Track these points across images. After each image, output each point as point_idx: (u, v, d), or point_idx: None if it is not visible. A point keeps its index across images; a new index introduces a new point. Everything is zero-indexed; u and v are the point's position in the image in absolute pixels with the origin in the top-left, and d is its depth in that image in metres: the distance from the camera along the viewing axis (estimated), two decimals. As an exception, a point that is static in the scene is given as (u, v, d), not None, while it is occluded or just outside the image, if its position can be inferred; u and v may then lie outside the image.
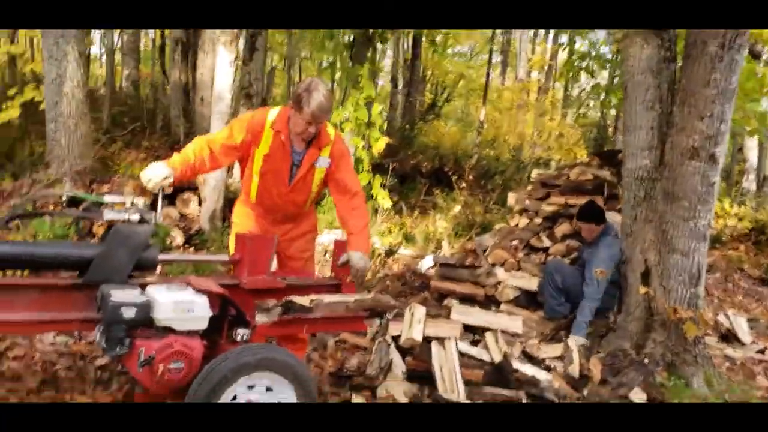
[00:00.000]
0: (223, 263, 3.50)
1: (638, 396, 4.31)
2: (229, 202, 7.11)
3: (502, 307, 5.84)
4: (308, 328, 3.31)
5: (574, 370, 4.51)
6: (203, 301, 3.01)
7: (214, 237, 6.28)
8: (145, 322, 2.88)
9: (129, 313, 2.83)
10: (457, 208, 9.55)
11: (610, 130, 20.42)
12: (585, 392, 4.12)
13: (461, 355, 4.33)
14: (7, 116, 6.34)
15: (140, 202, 3.31)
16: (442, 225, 9.17)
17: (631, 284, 5.05)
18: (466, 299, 5.97)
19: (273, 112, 3.68)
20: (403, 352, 4.53)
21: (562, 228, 6.15)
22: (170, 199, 6.73)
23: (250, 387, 2.95)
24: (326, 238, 7.04)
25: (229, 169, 7.26)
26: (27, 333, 3.73)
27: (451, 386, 4.17)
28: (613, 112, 18.94)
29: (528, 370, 4.31)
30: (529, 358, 4.64)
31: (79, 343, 3.78)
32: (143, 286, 3.09)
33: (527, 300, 5.88)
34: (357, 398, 4.00)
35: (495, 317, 4.77)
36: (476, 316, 4.75)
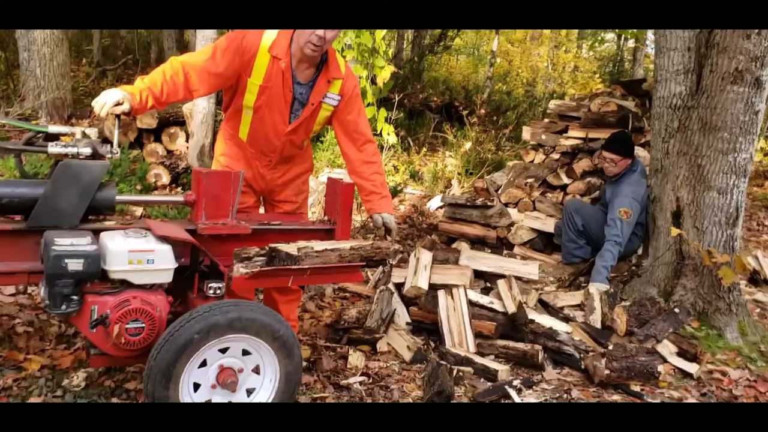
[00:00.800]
0: (176, 204, 3.01)
1: (667, 349, 3.87)
2: (220, 137, 6.59)
3: (516, 250, 5.38)
4: (295, 279, 2.85)
5: (596, 320, 4.06)
6: (165, 249, 2.55)
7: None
8: (95, 276, 2.44)
9: (75, 266, 2.37)
10: (468, 144, 8.98)
11: (627, 63, 19.55)
12: (609, 345, 3.68)
13: (471, 304, 3.88)
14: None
15: (92, 132, 2.80)
16: (451, 162, 8.64)
17: (659, 226, 4.55)
18: (477, 242, 5.52)
19: (269, 34, 3.05)
20: (408, 301, 4.10)
21: (582, 164, 5.62)
22: (155, 135, 6.22)
23: (223, 350, 2.52)
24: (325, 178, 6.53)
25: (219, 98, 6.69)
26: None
27: (460, 339, 3.74)
28: (631, 43, 18.04)
29: (545, 320, 3.86)
30: (545, 307, 4.19)
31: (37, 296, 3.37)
32: (97, 233, 2.64)
33: (543, 243, 5.41)
34: (354, 354, 3.57)
35: (508, 262, 4.30)
36: (488, 262, 4.28)
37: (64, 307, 2.41)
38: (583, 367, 3.60)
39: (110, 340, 2.48)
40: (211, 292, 2.70)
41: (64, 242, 2.42)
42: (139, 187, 5.09)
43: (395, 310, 4.01)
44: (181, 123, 6.22)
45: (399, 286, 4.18)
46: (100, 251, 2.43)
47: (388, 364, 3.58)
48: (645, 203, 4.71)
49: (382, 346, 3.73)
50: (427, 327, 4.01)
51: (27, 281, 2.63)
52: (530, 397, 3.31)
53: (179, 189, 5.90)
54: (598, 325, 4.07)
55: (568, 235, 4.92)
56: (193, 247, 2.70)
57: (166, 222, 2.86)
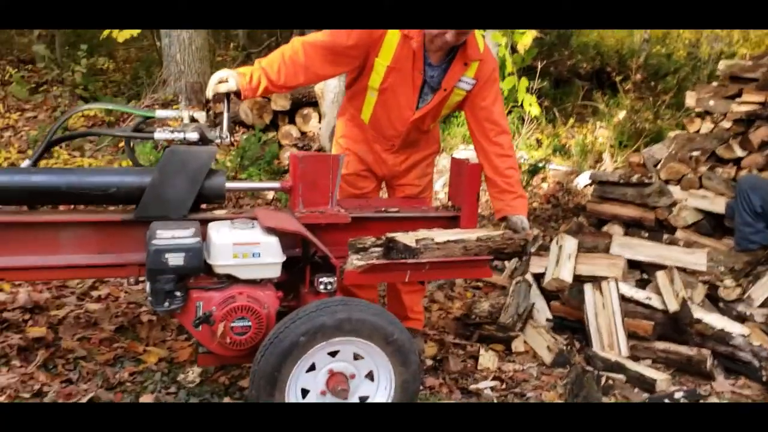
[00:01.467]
0: (273, 190, 2.79)
1: None
2: (353, 117, 6.40)
3: (679, 234, 4.71)
4: (412, 274, 2.54)
5: (780, 319, 3.41)
6: (272, 242, 2.33)
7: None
8: (197, 270, 2.27)
9: (176, 260, 2.22)
10: (622, 113, 8.16)
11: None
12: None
13: (624, 300, 3.38)
14: (128, 33, 5.98)
15: (200, 116, 2.64)
16: (603, 134, 7.89)
17: None
18: (632, 225, 4.91)
19: None
20: (548, 294, 3.66)
21: (761, 133, 4.78)
22: (290, 116, 6.14)
23: (333, 354, 2.27)
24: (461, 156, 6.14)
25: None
26: (72, 278, 3.28)
27: (610, 341, 3.27)
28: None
29: (714, 320, 3.27)
30: (715, 303, 3.58)
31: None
32: (205, 223, 2.48)
33: (711, 226, 4.69)
34: (486, 353, 3.22)
35: (669, 251, 3.72)
36: (645, 250, 3.72)
37: (167, 304, 2.27)
38: (765, 379, 3.00)
39: (215, 339, 2.31)
40: (322, 287, 2.46)
41: (164, 235, 2.27)
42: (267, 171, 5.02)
43: (533, 304, 3.59)
44: (314, 104, 6.09)
45: (538, 277, 3.75)
46: (201, 244, 2.26)
47: (525, 367, 3.19)
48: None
49: (518, 345, 3.34)
50: (571, 325, 3.56)
51: (138, 273, 2.53)
52: (696, 414, 2.78)
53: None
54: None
55: (743, 218, 4.20)
56: (303, 239, 2.47)
57: (276, 211, 2.65)
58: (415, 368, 2.33)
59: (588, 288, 3.42)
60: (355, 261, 2.51)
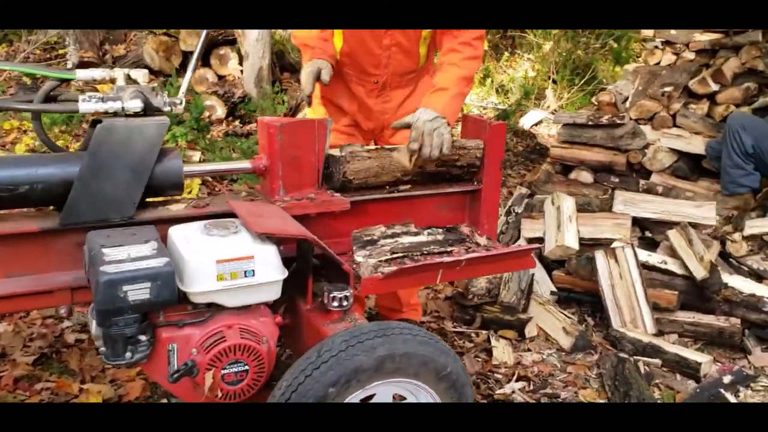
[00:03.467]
0: (242, 172, 2.15)
1: None
2: (278, 56, 5.58)
3: (654, 179, 4.37)
4: (445, 275, 1.97)
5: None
6: (270, 252, 1.68)
7: (263, 105, 4.85)
8: (171, 304, 1.59)
9: (139, 294, 1.53)
10: (548, 45, 7.74)
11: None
12: None
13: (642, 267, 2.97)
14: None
15: (140, 75, 1.88)
16: (532, 68, 7.48)
17: None
18: (601, 169, 4.51)
19: None
20: (548, 263, 3.21)
21: (732, 64, 4.46)
22: (203, 58, 5.23)
23: (365, 399, 1.68)
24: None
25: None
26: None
27: (632, 316, 2.86)
28: None
29: (741, 284, 2.93)
30: (725, 260, 3.25)
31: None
32: (158, 223, 1.78)
33: (689, 168, 4.38)
34: (498, 344, 2.74)
35: (678, 205, 3.35)
36: (651, 206, 3.34)
37: (129, 354, 1.59)
38: (810, 350, 2.70)
39: (202, 392, 1.66)
40: (336, 304, 1.83)
41: (116, 255, 1.57)
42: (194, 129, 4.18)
43: (533, 275, 3.12)
44: (232, 42, 5.21)
45: (535, 243, 3.28)
46: (173, 267, 1.57)
47: (544, 356, 2.74)
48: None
49: (531, 330, 2.87)
50: (579, 297, 3.13)
51: (71, 300, 1.81)
52: (752, 399, 2.44)
53: (237, 122, 5.00)
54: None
55: (733, 159, 3.87)
56: (306, 243, 1.82)
57: (255, 201, 1.97)
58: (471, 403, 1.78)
59: (599, 256, 2.98)
60: (370, 263, 1.91)
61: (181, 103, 1.93)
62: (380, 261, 1.98)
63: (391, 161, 2.04)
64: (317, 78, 2.20)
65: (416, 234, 2.15)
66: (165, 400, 2.24)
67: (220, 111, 4.97)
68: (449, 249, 2.12)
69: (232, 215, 1.86)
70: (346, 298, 1.84)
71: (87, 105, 1.75)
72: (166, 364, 1.64)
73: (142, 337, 1.59)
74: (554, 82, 6.66)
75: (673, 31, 4.95)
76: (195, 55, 2.06)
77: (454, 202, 2.27)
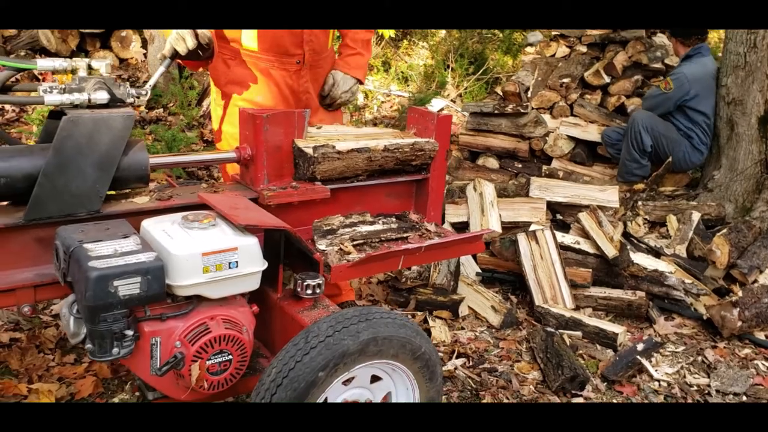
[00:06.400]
0: (227, 162, 2.16)
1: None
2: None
3: (555, 164, 4.70)
4: (406, 260, 2.07)
5: (682, 249, 3.52)
6: (252, 245, 1.71)
7: (173, 91, 4.71)
8: (160, 298, 1.59)
9: (130, 289, 1.53)
10: (442, 32, 7.97)
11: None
12: (738, 292, 3.11)
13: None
14: None
15: (101, 66, 1.84)
16: (426, 56, 7.68)
17: (740, 132, 3.96)
18: (506, 156, 4.78)
19: None
20: (473, 246, 3.39)
21: (621, 58, 4.86)
22: (102, 40, 4.97)
23: (347, 382, 1.76)
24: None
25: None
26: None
27: (553, 293, 3.10)
28: None
29: (645, 261, 3.25)
30: (627, 239, 3.59)
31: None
32: (126, 216, 1.77)
33: (585, 154, 4.74)
34: (435, 323, 2.89)
35: (585, 189, 3.63)
36: (563, 191, 3.60)
37: (116, 350, 1.57)
38: (704, 317, 3.04)
39: (186, 385, 1.67)
40: (309, 292, 1.90)
41: (102, 251, 1.54)
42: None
43: (459, 258, 3.30)
44: (134, 24, 5.00)
45: (455, 227, 3.46)
46: (161, 261, 1.57)
47: (477, 334, 2.92)
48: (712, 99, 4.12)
49: (464, 309, 3.05)
50: (501, 277, 3.34)
51: (34, 299, 1.75)
52: (664, 366, 2.74)
53: (142, 108, 4.81)
54: (684, 254, 3.53)
55: (631, 154, 4.25)
56: (283, 234, 1.86)
57: (227, 192, 1.98)
58: (440, 381, 1.90)
59: (522, 238, 3.20)
60: (335, 252, 1.99)
61: (146, 95, 1.91)
62: (342, 249, 2.06)
63: (356, 162, 2.11)
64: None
65: (372, 223, 2.24)
66: (118, 399, 2.21)
67: (125, 96, 4.76)
68: (405, 236, 2.23)
69: (200, 207, 1.88)
70: (318, 285, 1.90)
71: (52, 97, 1.70)
72: (148, 358, 1.64)
73: (129, 332, 1.58)
74: (452, 70, 6.90)
75: (566, 26, 5.29)
76: (161, 68, 2.03)
77: (402, 190, 2.38)
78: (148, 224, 1.74)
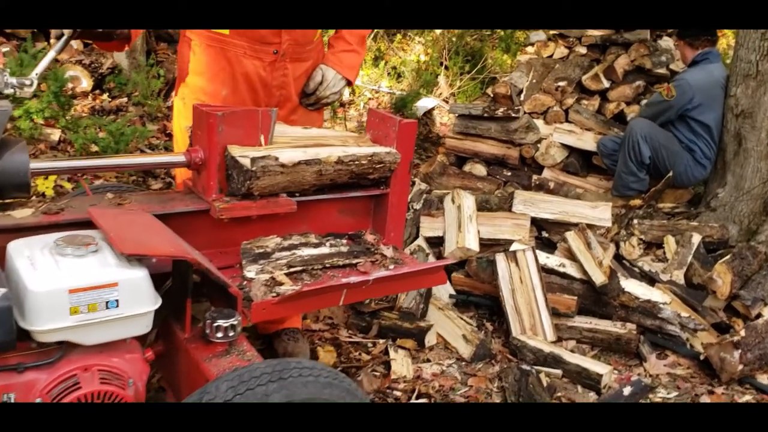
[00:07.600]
0: (172, 167, 1.83)
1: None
2: (153, 24, 5.05)
3: (546, 174, 4.35)
4: (349, 295, 1.73)
5: (680, 276, 3.18)
6: (140, 278, 1.37)
7: (136, 79, 4.36)
8: (9, 347, 1.25)
9: (-39, 338, 1.18)
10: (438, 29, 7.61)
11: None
12: (741, 331, 2.75)
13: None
14: None
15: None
16: (422, 51, 7.32)
17: (749, 147, 3.61)
18: (494, 162, 4.44)
19: None
20: (448, 265, 3.05)
21: (622, 62, 4.51)
22: (67, 22, 4.62)
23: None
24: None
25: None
26: None
27: (532, 323, 2.76)
28: None
29: (638, 289, 2.91)
30: (619, 262, 3.24)
31: None
32: None
33: (579, 164, 4.39)
34: (397, 355, 2.55)
35: (574, 206, 3.29)
36: (549, 206, 3.26)
37: (-53, 413, 1.23)
38: (701, 358, 2.70)
39: (47, 453, 1.33)
40: (220, 335, 1.55)
41: (-67, 287, 1.20)
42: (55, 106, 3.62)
43: (432, 276, 2.96)
44: (100, 5, 4.66)
45: (433, 242, 3.12)
46: (10, 301, 1.23)
47: (444, 367, 2.58)
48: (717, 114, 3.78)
49: (431, 339, 2.71)
50: (477, 300, 3.00)
51: None
52: (653, 413, 2.39)
53: (105, 96, 4.47)
54: (681, 280, 3.19)
55: (629, 167, 3.90)
56: (185, 264, 1.51)
57: (133, 206, 1.63)
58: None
59: (500, 259, 2.86)
60: (262, 288, 1.65)
61: (31, 85, 1.56)
62: (274, 278, 1.73)
63: (303, 176, 1.77)
64: None
65: (317, 245, 1.90)
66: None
67: (86, 83, 4.41)
68: (354, 261, 1.89)
69: (93, 225, 1.53)
70: (232, 327, 1.55)
71: None
72: None
73: (-33, 389, 1.24)
74: (446, 68, 6.54)
75: (566, 25, 4.93)
76: (51, 53, 1.70)
77: (358, 207, 2.04)
78: (13, 247, 1.40)
